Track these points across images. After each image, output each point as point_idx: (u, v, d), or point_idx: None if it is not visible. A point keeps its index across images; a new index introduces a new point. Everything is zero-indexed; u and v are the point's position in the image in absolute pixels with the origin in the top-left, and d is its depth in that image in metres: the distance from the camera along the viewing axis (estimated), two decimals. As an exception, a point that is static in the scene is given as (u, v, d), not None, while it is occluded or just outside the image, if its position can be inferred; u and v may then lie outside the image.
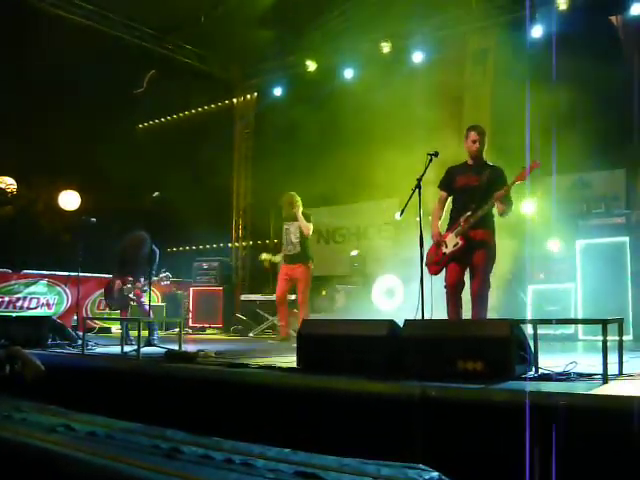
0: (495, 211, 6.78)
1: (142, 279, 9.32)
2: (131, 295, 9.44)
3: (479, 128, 6.92)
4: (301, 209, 9.70)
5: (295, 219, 9.62)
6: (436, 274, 7.06)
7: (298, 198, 9.69)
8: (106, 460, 3.22)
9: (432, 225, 7.07)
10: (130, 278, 9.33)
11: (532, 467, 3.60)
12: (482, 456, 3.93)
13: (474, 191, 6.76)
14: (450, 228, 6.93)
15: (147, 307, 9.19)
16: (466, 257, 6.77)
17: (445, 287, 6.91)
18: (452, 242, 6.83)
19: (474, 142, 6.86)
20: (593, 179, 10.51)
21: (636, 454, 3.43)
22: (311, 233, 9.71)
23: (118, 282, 9.42)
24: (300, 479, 2.88)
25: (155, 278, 9.26)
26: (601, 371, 4.31)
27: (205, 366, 6.09)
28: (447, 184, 7.07)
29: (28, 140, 13.45)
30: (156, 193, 8.46)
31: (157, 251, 9.24)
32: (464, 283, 6.86)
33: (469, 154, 6.97)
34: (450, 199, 7.15)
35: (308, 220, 9.67)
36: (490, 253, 6.72)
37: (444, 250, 6.89)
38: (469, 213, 6.71)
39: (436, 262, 6.96)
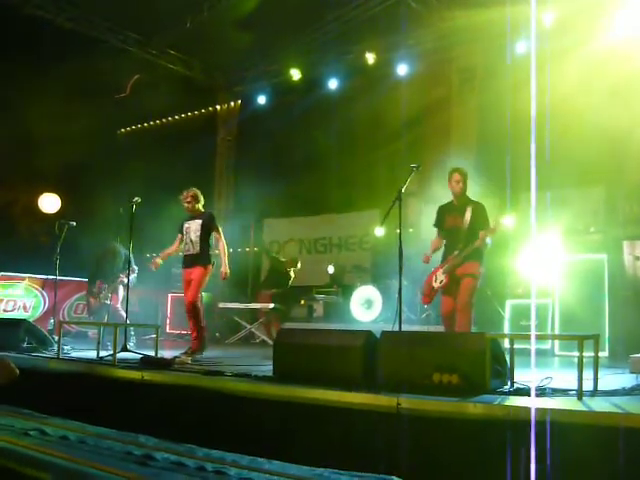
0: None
1: (111, 282, 9.61)
2: (107, 301, 9.47)
3: (462, 170, 7.29)
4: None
5: (197, 216, 8.35)
6: (427, 304, 7.99)
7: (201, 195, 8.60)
8: (78, 465, 3.20)
9: (429, 251, 7.50)
10: (102, 285, 9.44)
11: (505, 480, 3.62)
12: (456, 469, 3.94)
13: (459, 231, 7.17)
14: (442, 263, 7.32)
15: (123, 312, 9.15)
16: (453, 288, 7.16)
17: (440, 316, 7.53)
18: (439, 278, 7.24)
19: (457, 182, 7.23)
20: (572, 195, 10.59)
21: (609, 469, 3.46)
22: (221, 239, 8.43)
23: (92, 299, 9.74)
24: (273, 488, 2.88)
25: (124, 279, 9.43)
26: (576, 387, 4.33)
27: (181, 372, 6.07)
28: (439, 224, 7.51)
29: (8, 142, 13.36)
30: (136, 198, 8.43)
31: (128, 255, 9.28)
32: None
33: (453, 194, 7.34)
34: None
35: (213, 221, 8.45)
36: (473, 283, 7.10)
37: (433, 284, 7.30)
38: (456, 253, 7.13)
39: (427, 295, 7.43)
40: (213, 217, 8.46)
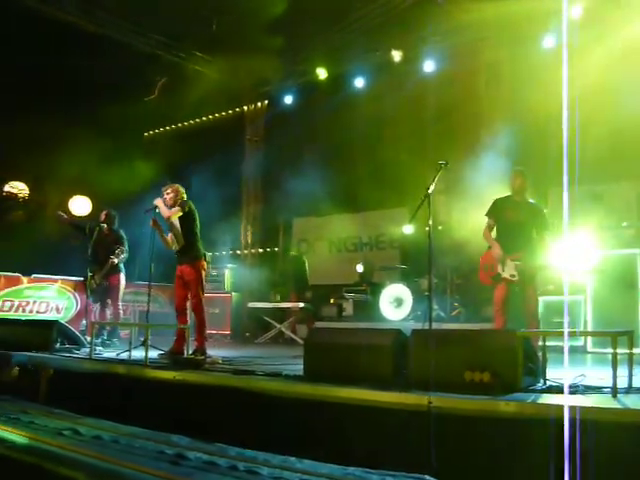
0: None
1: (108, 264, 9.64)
2: (105, 283, 9.71)
3: (525, 172, 7.56)
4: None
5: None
6: (485, 284, 7.77)
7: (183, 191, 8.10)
8: (111, 464, 3.23)
9: (491, 242, 7.52)
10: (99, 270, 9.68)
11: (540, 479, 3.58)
12: (488, 468, 3.90)
13: (521, 227, 7.41)
14: (511, 254, 7.33)
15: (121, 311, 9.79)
16: (516, 287, 7.43)
17: (494, 306, 7.58)
18: (510, 269, 7.30)
19: (522, 183, 7.48)
20: (604, 190, 10.46)
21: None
22: (172, 216, 7.85)
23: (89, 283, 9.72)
24: (304, 487, 2.88)
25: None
26: (610, 384, 4.27)
27: (212, 372, 6.09)
28: (495, 214, 7.59)
29: (40, 146, 13.51)
30: (155, 205, 8.41)
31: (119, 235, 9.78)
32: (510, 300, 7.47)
33: (513, 191, 7.54)
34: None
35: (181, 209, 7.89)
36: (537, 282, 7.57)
37: (500, 271, 7.36)
38: (522, 253, 7.27)
39: (491, 276, 7.47)
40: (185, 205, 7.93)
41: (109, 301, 9.86)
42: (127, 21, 13.12)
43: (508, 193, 7.65)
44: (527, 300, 7.42)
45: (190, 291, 7.82)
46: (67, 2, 12.32)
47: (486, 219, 7.67)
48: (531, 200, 7.60)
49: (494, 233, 7.63)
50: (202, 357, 7.03)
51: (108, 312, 9.87)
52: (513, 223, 7.45)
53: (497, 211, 7.58)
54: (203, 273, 7.92)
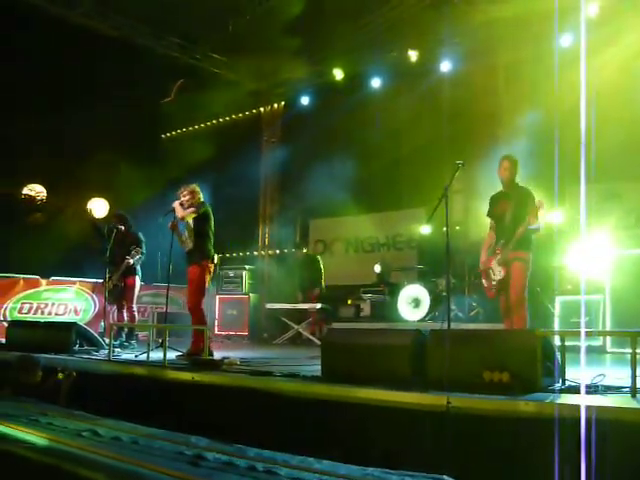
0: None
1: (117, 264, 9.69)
2: (121, 284, 9.78)
3: (511, 157, 7.32)
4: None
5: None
6: (493, 297, 7.41)
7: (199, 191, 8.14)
8: (130, 465, 3.24)
9: (482, 252, 7.43)
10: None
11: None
12: (507, 468, 3.89)
13: (505, 216, 7.18)
14: (493, 254, 7.23)
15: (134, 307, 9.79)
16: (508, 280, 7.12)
17: (501, 309, 7.30)
18: (497, 270, 7.14)
19: (506, 169, 7.25)
20: (623, 190, 10.39)
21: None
22: (186, 217, 7.88)
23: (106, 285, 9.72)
24: (323, 488, 2.87)
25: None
26: (629, 384, 4.24)
27: (230, 373, 6.10)
28: (490, 213, 7.50)
29: (57, 148, 13.62)
30: (171, 213, 8.45)
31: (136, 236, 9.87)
32: None
33: (502, 181, 7.34)
34: None
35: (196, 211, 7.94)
36: (524, 267, 7.03)
37: (493, 277, 7.20)
38: (502, 241, 7.08)
39: (490, 288, 7.31)
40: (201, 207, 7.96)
41: (124, 303, 9.92)
42: (144, 24, 13.19)
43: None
44: (510, 280, 7.04)
45: (189, 293, 7.91)
46: (87, 7, 12.40)
47: (489, 220, 7.57)
48: (520, 185, 7.32)
49: None
50: (210, 357, 7.03)
51: (126, 314, 9.92)
52: (501, 216, 7.28)
53: (491, 209, 7.49)
54: (207, 275, 7.88)
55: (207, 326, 7.75)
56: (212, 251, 7.95)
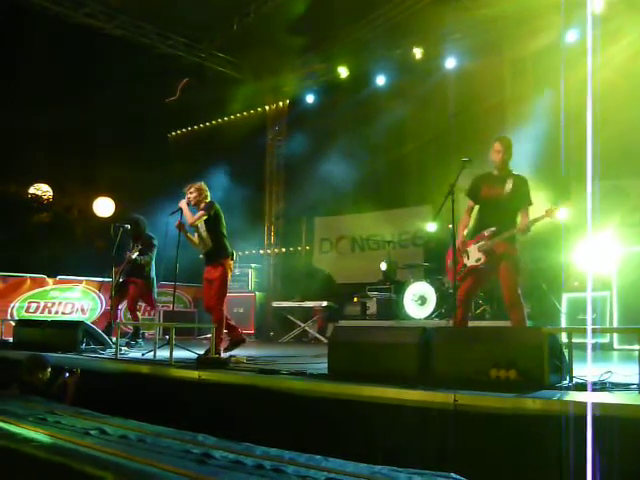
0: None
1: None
2: (124, 279, 9.84)
3: (504, 139, 6.90)
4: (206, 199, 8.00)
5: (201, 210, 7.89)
6: (453, 280, 6.97)
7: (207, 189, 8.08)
8: (138, 463, 3.24)
9: (458, 232, 6.97)
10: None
11: (566, 477, 3.55)
12: (514, 465, 3.88)
13: (498, 202, 6.74)
14: (474, 238, 6.84)
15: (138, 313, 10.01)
16: (487, 271, 6.75)
17: (457, 296, 6.83)
18: (474, 254, 6.76)
19: (498, 152, 6.81)
20: (629, 186, 10.36)
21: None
22: (197, 222, 7.80)
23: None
24: (331, 486, 2.87)
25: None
26: (637, 381, 4.23)
27: (236, 372, 6.10)
28: (473, 193, 7.02)
29: (63, 148, 13.65)
30: (176, 214, 8.46)
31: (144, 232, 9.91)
32: (476, 295, 6.80)
33: (494, 164, 6.91)
34: (476, 208, 7.08)
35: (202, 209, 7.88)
36: (517, 266, 6.64)
37: (465, 261, 6.82)
38: (493, 229, 6.66)
39: (457, 272, 6.87)
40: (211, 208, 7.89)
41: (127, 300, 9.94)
42: (149, 23, 13.20)
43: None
44: (501, 280, 6.62)
45: (212, 294, 7.81)
46: (92, 7, 12.42)
47: (467, 201, 7.14)
48: (515, 173, 6.88)
49: (474, 215, 7.03)
50: (217, 356, 7.04)
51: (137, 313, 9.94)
52: (490, 199, 6.80)
53: (475, 190, 6.98)
54: (229, 273, 7.88)
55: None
56: (230, 248, 7.94)
